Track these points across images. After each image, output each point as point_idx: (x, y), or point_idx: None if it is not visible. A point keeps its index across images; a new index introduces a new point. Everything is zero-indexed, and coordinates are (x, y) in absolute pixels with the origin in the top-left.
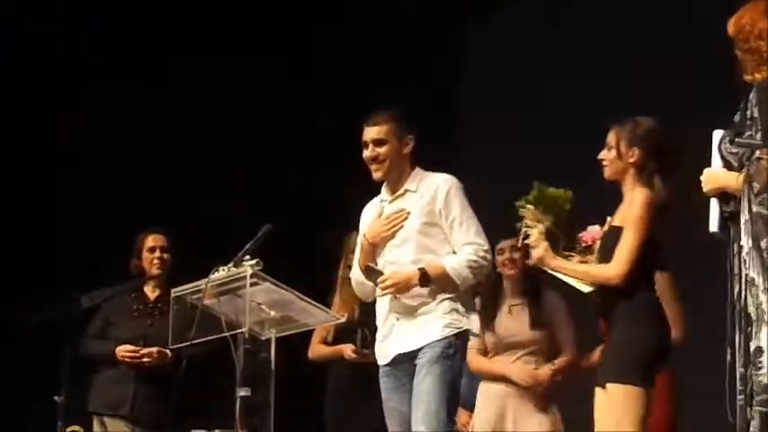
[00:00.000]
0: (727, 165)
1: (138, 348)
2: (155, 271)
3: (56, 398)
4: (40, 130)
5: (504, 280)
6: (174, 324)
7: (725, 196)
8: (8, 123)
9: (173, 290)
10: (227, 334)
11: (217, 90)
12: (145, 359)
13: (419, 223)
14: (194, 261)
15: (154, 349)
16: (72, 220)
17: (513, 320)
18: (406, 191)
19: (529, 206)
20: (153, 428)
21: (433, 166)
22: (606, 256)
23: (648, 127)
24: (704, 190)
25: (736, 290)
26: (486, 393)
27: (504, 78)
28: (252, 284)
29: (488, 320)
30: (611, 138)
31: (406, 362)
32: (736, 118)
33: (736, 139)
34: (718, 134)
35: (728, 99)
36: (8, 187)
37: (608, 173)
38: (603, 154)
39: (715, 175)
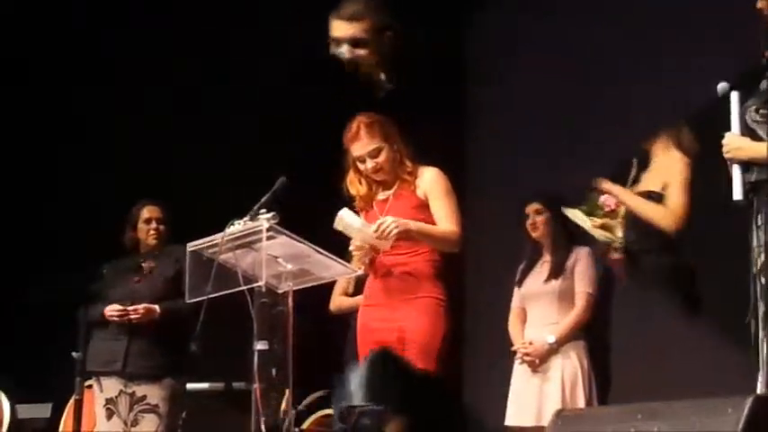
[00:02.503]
0: (751, 133)
1: (123, 306)
2: (151, 242)
3: (74, 354)
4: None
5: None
6: (191, 278)
7: (746, 165)
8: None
9: (188, 244)
10: (243, 287)
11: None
12: (132, 315)
13: None
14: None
15: (140, 306)
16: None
17: (536, 276)
18: None
19: None
20: (147, 383)
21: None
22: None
23: None
24: (727, 156)
25: (762, 260)
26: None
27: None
28: (268, 238)
29: (522, 279)
30: None
31: None
32: (763, 85)
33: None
34: (735, 95)
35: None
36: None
37: None
38: None
39: (741, 145)
